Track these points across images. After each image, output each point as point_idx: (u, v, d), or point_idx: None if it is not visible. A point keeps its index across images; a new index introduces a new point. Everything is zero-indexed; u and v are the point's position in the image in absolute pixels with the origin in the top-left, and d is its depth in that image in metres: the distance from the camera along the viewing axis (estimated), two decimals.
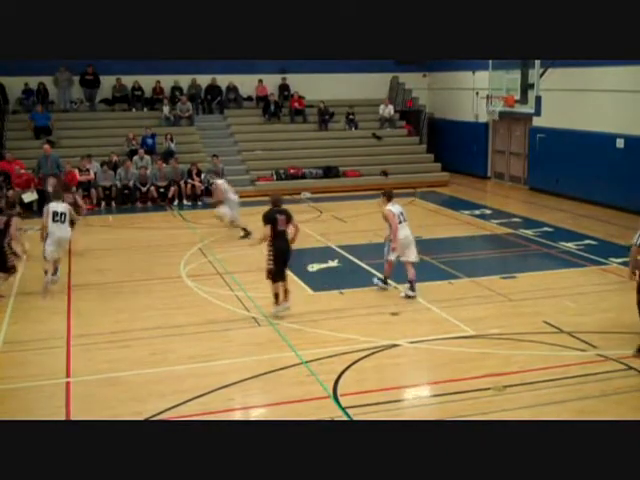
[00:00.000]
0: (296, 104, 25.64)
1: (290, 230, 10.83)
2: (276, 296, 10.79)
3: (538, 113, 21.33)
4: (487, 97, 23.68)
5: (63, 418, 7.68)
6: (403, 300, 11.50)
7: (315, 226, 17.42)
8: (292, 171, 23.27)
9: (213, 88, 25.68)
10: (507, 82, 22.75)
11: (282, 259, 10.71)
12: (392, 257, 11.75)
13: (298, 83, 26.20)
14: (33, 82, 24.13)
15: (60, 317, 10.99)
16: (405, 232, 11.66)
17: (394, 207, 11.71)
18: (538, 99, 21.09)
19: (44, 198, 19.63)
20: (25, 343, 9.97)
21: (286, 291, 10.88)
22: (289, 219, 10.79)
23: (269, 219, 10.65)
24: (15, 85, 23.95)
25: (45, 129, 22.80)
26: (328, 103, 25.73)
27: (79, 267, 13.91)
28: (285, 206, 11.06)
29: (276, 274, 10.69)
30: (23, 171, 20.28)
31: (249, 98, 26.41)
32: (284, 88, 26.49)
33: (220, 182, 17.09)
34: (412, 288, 11.61)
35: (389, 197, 11.79)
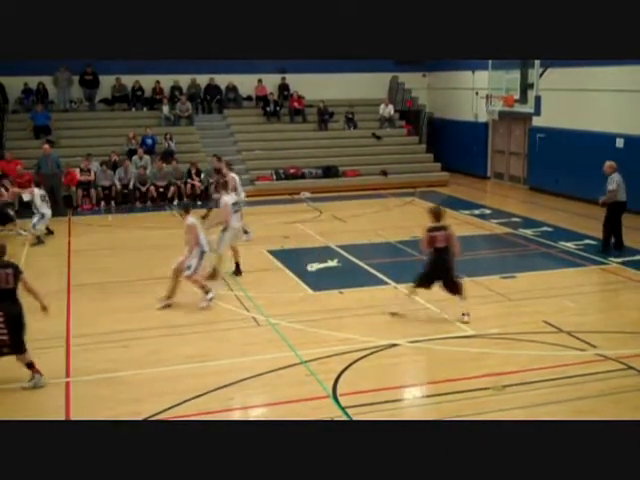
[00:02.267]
0: (295, 104, 25.65)
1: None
2: (30, 365, 8.43)
3: (538, 113, 21.32)
4: (487, 97, 23.67)
5: (63, 418, 7.69)
6: (402, 300, 11.50)
7: (315, 226, 17.42)
8: (292, 171, 23.26)
9: (212, 88, 25.68)
10: (507, 82, 22.74)
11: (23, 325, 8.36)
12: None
13: (298, 83, 26.20)
14: (33, 82, 24.14)
15: (60, 317, 10.98)
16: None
17: (196, 219, 11.80)
18: (538, 99, 21.08)
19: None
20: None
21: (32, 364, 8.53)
22: (17, 277, 8.34)
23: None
24: (15, 85, 23.96)
25: (45, 129, 22.81)
26: (328, 103, 25.74)
27: (79, 267, 13.92)
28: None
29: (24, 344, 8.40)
30: (24, 170, 20.30)
31: (249, 98, 26.41)
32: (284, 88, 26.49)
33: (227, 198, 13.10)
34: (208, 292, 11.40)
35: (187, 211, 11.77)
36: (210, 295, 11.35)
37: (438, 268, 10.42)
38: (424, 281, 10.54)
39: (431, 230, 10.40)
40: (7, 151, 21.48)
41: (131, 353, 9.54)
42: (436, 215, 10.57)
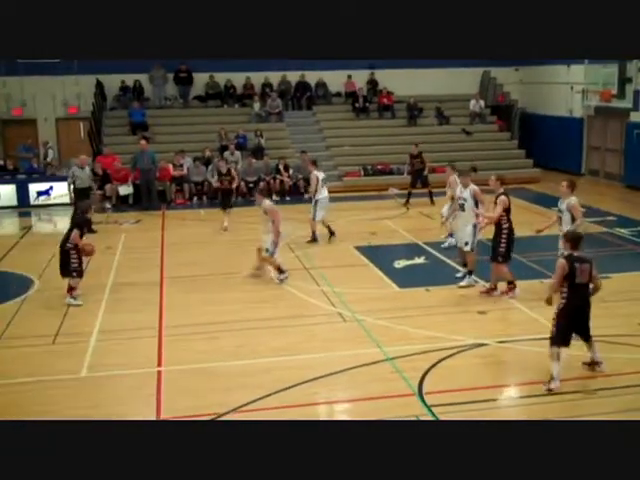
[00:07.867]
0: (384, 100, 25.59)
1: None
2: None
3: (636, 108, 20.57)
4: (582, 91, 23.01)
5: (154, 406, 7.93)
6: (490, 298, 11.35)
7: (402, 222, 17.37)
8: (380, 167, 23.22)
9: (302, 84, 25.91)
10: (604, 76, 22.05)
11: None
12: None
13: (387, 78, 26.13)
14: (129, 80, 24.93)
15: (153, 308, 11.32)
16: None
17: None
18: (636, 93, 20.34)
19: (139, 192, 20.35)
20: (119, 332, 10.31)
21: None
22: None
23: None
24: (112, 83, 24.81)
25: (141, 125, 23.52)
26: (417, 98, 25.56)
27: (171, 260, 14.32)
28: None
29: None
30: (121, 165, 21.04)
31: (338, 94, 26.51)
32: (373, 83, 26.47)
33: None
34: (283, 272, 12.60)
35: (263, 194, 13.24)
36: (283, 275, 12.53)
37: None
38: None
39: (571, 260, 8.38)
40: (105, 146, 22.29)
41: (220, 345, 9.76)
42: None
